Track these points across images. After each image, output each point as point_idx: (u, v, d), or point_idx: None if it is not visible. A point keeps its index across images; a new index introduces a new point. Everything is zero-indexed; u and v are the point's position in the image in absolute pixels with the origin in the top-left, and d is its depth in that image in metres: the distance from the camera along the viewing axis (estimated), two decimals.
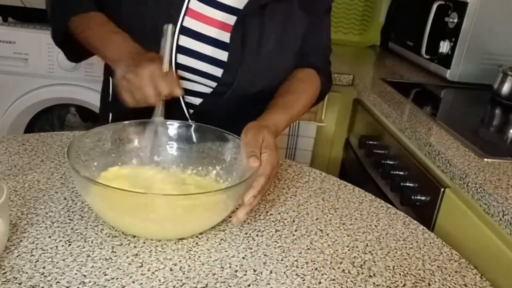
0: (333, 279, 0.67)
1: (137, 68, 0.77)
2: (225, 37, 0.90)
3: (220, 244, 0.72)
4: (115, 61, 0.83)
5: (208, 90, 0.94)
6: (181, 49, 0.90)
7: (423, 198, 1.12)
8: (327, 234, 0.78)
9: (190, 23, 0.89)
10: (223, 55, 0.91)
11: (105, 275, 0.62)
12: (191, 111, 0.96)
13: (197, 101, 0.96)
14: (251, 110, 0.94)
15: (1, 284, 0.59)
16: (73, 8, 0.92)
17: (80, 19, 0.91)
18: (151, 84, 0.77)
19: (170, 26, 0.83)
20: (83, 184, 0.68)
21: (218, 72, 0.92)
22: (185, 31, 0.89)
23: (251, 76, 0.92)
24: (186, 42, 0.90)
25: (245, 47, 0.90)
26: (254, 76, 0.93)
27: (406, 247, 0.77)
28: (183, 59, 0.91)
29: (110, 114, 1.07)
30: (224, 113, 0.95)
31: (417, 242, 0.79)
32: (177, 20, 0.88)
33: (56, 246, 0.67)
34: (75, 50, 0.98)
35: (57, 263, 0.63)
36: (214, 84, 0.93)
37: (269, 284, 0.65)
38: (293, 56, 0.97)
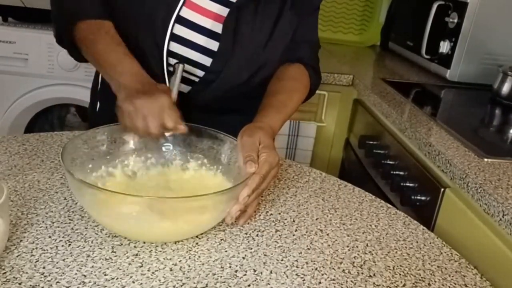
0: (333, 279, 0.67)
1: (149, 97, 0.75)
2: (219, 28, 0.92)
3: (220, 244, 0.72)
4: (123, 85, 0.79)
5: (196, 80, 0.96)
6: (175, 38, 0.91)
7: (423, 198, 1.12)
8: (327, 234, 0.78)
9: (187, 13, 0.91)
10: (215, 46, 0.93)
11: (105, 275, 0.62)
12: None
13: (184, 89, 0.97)
14: (236, 103, 0.95)
15: (1, 284, 0.59)
16: (80, 13, 0.88)
17: (88, 27, 0.87)
18: (158, 116, 0.74)
19: (181, 66, 0.84)
20: (78, 187, 0.68)
21: (207, 61, 0.93)
22: (181, 21, 0.91)
23: (239, 66, 0.94)
24: (181, 31, 0.91)
25: (236, 38, 0.91)
26: (242, 66, 0.94)
27: (406, 247, 0.77)
28: (175, 47, 0.92)
29: (98, 104, 1.09)
30: (209, 104, 0.97)
31: (417, 242, 0.79)
32: (174, 9, 0.89)
33: (56, 246, 0.67)
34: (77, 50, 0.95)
35: (57, 263, 0.63)
36: (202, 73, 0.95)
37: (269, 284, 0.65)
38: (280, 52, 0.98)
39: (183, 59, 0.92)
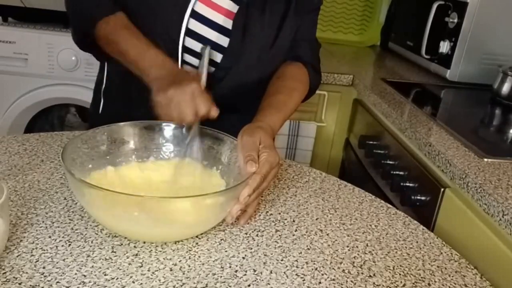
0: (333, 279, 0.67)
1: (179, 86, 0.77)
2: (230, 24, 0.93)
3: (220, 244, 0.72)
4: (153, 77, 0.82)
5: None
6: (189, 33, 0.92)
7: (423, 198, 1.12)
8: (327, 234, 0.78)
9: (201, 8, 0.92)
10: (225, 41, 0.94)
11: (105, 275, 0.62)
12: None
13: None
14: (243, 102, 0.95)
15: (1, 284, 0.59)
16: (96, 13, 0.90)
17: (106, 27, 0.89)
18: (191, 103, 0.77)
19: (208, 48, 0.86)
20: (78, 187, 0.68)
21: (218, 57, 0.94)
22: (195, 16, 0.92)
23: (248, 63, 0.94)
24: (195, 26, 0.92)
25: (245, 35, 0.92)
26: (251, 64, 0.95)
27: (406, 247, 0.77)
28: (189, 42, 0.93)
29: (102, 103, 1.09)
30: (217, 102, 0.97)
31: (417, 242, 0.79)
32: (188, 3, 0.90)
33: (56, 246, 0.67)
34: (100, 51, 0.97)
35: (57, 263, 0.63)
36: (212, 69, 0.95)
37: (269, 284, 0.65)
38: (284, 51, 1.00)
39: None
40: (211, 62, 0.94)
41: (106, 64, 1.07)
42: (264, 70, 0.97)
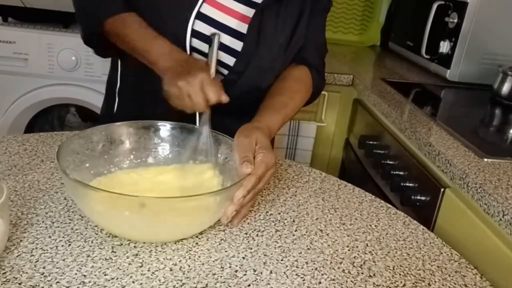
0: (333, 279, 0.67)
1: (188, 76, 0.79)
2: (244, 28, 0.92)
3: (220, 244, 0.72)
4: (163, 68, 0.84)
5: (219, 79, 0.96)
6: (197, 34, 0.92)
7: (423, 198, 1.12)
8: (327, 234, 0.78)
9: (208, 10, 0.92)
10: (238, 45, 0.93)
11: (105, 275, 0.62)
12: None
13: None
14: (256, 104, 0.94)
15: (1, 284, 0.59)
16: (106, 10, 0.91)
17: (114, 22, 0.90)
18: (201, 93, 0.79)
19: (217, 36, 0.86)
20: (73, 187, 0.67)
21: (232, 61, 0.94)
22: (202, 17, 0.91)
23: (261, 67, 0.94)
24: (203, 28, 0.92)
25: (260, 39, 0.92)
26: (265, 68, 0.95)
27: (406, 247, 0.77)
28: (198, 44, 0.93)
29: (117, 102, 1.08)
30: (230, 104, 0.96)
31: (417, 242, 0.79)
32: (194, 5, 0.90)
33: (56, 246, 0.67)
34: (104, 47, 0.98)
35: (57, 263, 0.63)
36: (226, 73, 0.95)
37: (269, 284, 0.65)
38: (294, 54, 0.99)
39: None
40: (225, 65, 0.94)
41: (119, 63, 1.06)
42: (277, 73, 0.97)
